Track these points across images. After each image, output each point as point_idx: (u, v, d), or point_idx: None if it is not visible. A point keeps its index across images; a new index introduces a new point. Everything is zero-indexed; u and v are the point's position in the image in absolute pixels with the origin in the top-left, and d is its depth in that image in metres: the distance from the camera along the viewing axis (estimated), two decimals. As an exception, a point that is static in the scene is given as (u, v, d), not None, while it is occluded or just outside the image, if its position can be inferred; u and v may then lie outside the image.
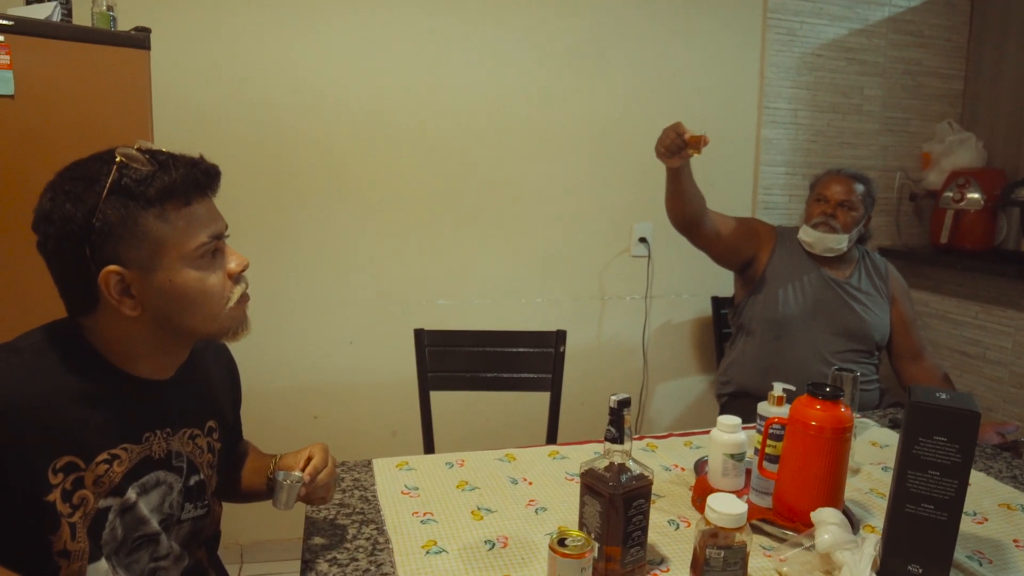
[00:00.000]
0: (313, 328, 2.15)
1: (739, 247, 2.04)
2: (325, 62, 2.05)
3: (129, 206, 0.79)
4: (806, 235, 2.03)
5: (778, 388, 1.19)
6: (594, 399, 2.39)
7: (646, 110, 2.27)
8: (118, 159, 0.80)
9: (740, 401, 2.08)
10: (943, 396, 0.97)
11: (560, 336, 1.87)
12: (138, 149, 0.83)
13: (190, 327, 0.88)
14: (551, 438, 1.85)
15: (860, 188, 2.02)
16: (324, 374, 2.17)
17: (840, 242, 1.99)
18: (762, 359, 2.04)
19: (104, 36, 1.48)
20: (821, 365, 1.95)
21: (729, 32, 2.37)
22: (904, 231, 2.72)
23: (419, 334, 1.84)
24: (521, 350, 1.89)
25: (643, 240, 2.34)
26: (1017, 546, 1.07)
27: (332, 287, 2.15)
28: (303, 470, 0.99)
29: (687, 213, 1.89)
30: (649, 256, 2.37)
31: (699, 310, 2.46)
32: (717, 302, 2.36)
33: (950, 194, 2.50)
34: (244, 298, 0.93)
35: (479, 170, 2.21)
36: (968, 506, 1.19)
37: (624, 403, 0.94)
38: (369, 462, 1.31)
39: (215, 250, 0.88)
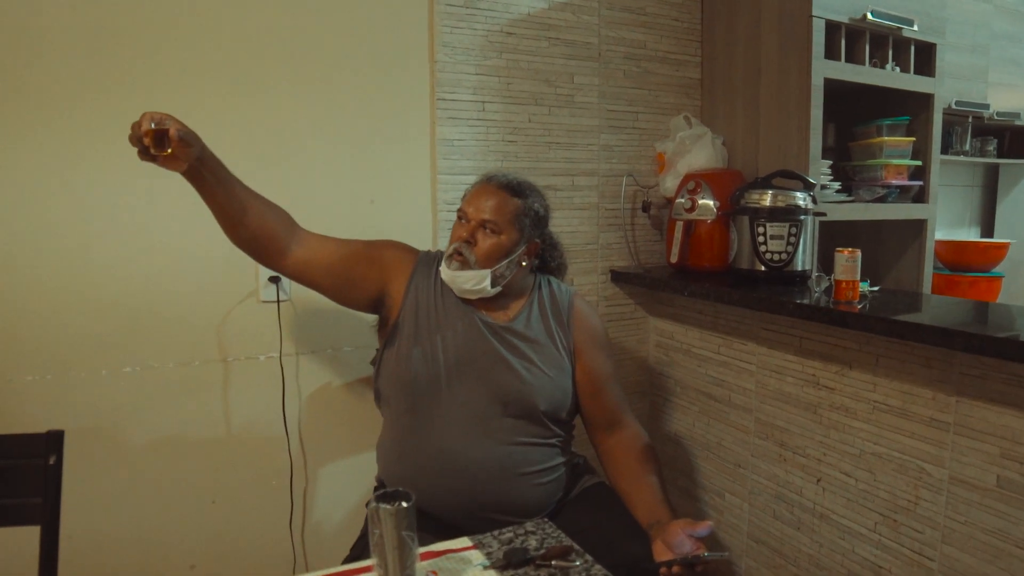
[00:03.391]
0: None
1: (352, 281, 1.45)
2: None
3: None
4: (443, 270, 1.47)
5: None
6: (225, 506, 1.73)
7: (285, 106, 1.67)
8: None
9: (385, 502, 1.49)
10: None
11: (53, 439, 1.22)
12: None
13: None
14: (39, 603, 1.18)
15: (515, 203, 1.47)
16: None
17: (479, 281, 1.42)
18: (397, 441, 1.46)
19: None
20: (474, 448, 1.40)
21: (387, 10, 1.81)
22: (642, 248, 2.24)
23: None
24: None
25: (275, 280, 1.72)
26: None
27: None
28: None
29: (246, 234, 1.32)
30: (288, 300, 1.75)
31: (369, 367, 1.85)
32: (383, 356, 1.77)
33: (682, 201, 2.05)
34: None
35: (17, 181, 1.50)
36: None
37: None
38: None
39: None
